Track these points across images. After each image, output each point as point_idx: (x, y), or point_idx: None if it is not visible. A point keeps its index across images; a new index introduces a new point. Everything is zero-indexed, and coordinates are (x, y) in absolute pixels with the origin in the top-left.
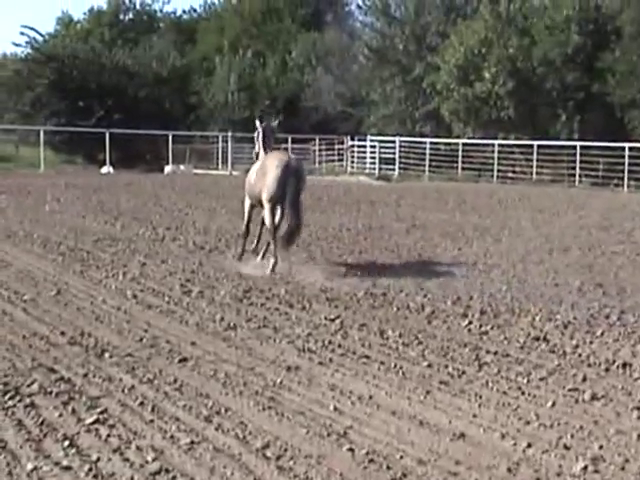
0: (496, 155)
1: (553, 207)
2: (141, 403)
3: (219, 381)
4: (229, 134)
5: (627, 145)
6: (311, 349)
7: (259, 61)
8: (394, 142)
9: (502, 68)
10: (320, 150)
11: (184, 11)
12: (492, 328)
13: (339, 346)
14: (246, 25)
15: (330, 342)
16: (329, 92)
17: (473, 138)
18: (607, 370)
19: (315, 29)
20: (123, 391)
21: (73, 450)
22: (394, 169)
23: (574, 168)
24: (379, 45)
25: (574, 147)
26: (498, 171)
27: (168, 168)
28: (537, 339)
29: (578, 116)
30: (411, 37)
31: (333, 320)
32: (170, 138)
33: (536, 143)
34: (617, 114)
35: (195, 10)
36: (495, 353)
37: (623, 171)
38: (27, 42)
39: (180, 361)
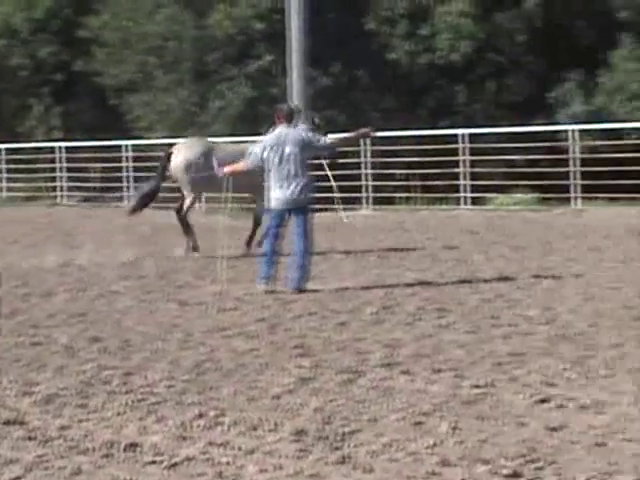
0: None
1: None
2: None
3: None
4: None
5: (127, 143)
6: None
7: None
8: None
9: None
10: None
11: None
12: None
13: None
14: None
15: None
16: None
17: None
18: (107, 456)
19: None
20: None
21: None
22: None
23: (57, 179)
24: None
25: (52, 149)
26: None
27: None
28: (9, 423)
29: (59, 107)
30: None
31: None
32: None
33: (4, 147)
34: (110, 101)
35: None
36: None
37: (123, 179)
38: None
39: None
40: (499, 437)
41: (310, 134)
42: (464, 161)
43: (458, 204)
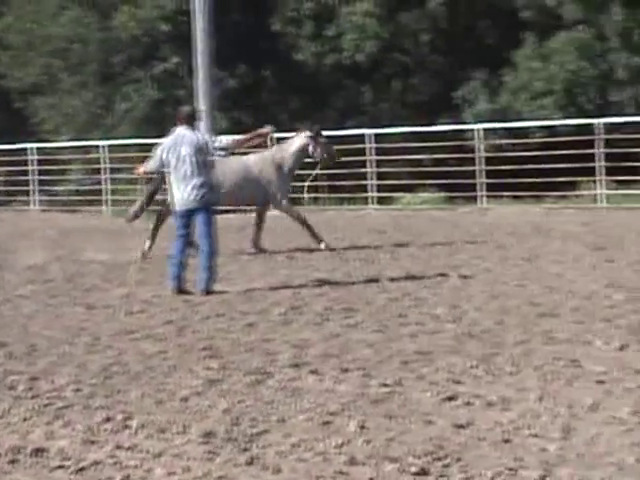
0: None
1: None
2: None
3: None
4: None
5: (33, 146)
6: None
7: None
8: None
9: None
10: None
11: None
12: None
13: None
14: None
15: None
16: None
17: None
18: (14, 462)
19: None
20: None
21: None
22: None
23: None
24: None
25: None
26: None
27: None
28: None
29: None
30: None
31: None
32: None
33: None
34: (15, 104)
35: None
36: None
37: (29, 182)
38: None
39: None
40: (407, 435)
41: (206, 135)
42: (371, 161)
43: (366, 204)
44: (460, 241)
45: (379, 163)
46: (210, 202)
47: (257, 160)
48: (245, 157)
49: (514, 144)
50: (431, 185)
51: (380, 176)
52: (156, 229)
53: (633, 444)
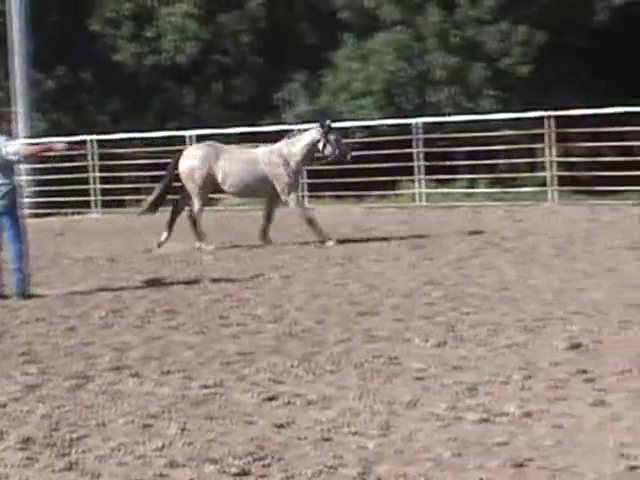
0: None
1: None
2: None
3: None
4: None
5: None
6: None
7: None
8: None
9: None
10: None
11: None
12: None
13: None
14: None
15: None
16: None
17: None
18: None
19: None
20: None
21: None
22: None
23: None
24: None
25: None
26: None
27: None
28: None
29: None
30: None
31: None
32: None
33: None
34: None
35: None
36: None
37: None
38: None
39: None
40: (228, 436)
41: (1, 139)
42: None
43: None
44: (282, 241)
45: None
46: (13, 205)
47: (265, 153)
48: (254, 149)
49: None
50: None
51: None
52: (198, 232)
53: (449, 439)
